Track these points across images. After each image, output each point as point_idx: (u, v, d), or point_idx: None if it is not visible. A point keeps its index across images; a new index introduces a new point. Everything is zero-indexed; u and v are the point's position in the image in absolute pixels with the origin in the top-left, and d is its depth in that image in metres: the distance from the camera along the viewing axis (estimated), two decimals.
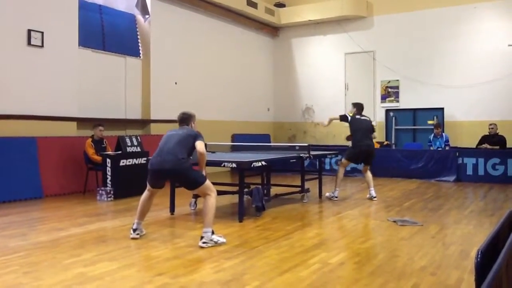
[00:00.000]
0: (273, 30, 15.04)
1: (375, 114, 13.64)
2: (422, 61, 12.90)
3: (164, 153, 4.84)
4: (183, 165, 4.78)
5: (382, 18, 13.53)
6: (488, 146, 10.61)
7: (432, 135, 11.25)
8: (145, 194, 5.11)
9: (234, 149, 10.62)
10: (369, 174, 7.92)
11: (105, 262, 4.06)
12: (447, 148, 10.92)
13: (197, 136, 4.92)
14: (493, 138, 10.73)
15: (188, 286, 3.46)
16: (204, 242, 4.61)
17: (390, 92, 13.48)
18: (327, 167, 11.45)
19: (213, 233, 4.69)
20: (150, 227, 5.55)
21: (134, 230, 4.98)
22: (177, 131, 5.05)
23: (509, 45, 11.87)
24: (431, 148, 11.06)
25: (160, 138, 5.16)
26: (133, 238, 4.93)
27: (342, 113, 8.23)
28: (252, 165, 5.91)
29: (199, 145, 4.80)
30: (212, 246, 4.59)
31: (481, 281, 1.61)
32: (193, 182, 4.83)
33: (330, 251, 4.48)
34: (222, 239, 4.74)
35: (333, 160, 11.46)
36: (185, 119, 5.16)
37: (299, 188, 7.61)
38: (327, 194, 7.90)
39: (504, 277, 1.70)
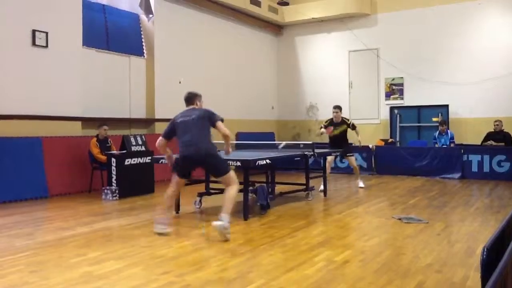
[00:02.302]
0: (276, 28, 15.02)
1: (380, 111, 13.62)
2: (427, 58, 12.85)
3: (194, 142, 5.00)
4: (213, 151, 5.07)
5: (386, 15, 13.49)
6: (493, 143, 10.56)
7: (437, 132, 11.21)
8: (171, 188, 5.19)
9: (238, 147, 10.63)
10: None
11: (111, 261, 4.08)
12: (452, 145, 10.88)
13: (212, 116, 5.12)
14: (498, 135, 10.67)
15: (193, 285, 3.47)
16: (218, 224, 4.71)
17: (394, 89, 13.44)
18: (332, 165, 11.41)
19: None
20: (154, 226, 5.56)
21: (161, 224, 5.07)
22: (188, 116, 5.14)
23: None
24: (436, 145, 11.02)
25: None
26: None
27: (350, 121, 8.95)
28: (257, 163, 5.91)
29: (222, 128, 5.03)
30: (216, 242, 4.60)
31: (487, 279, 1.60)
32: (220, 169, 5.07)
33: (335, 249, 4.48)
34: (228, 235, 4.76)
35: (338, 158, 11.42)
36: (191, 98, 5.37)
37: (304, 186, 7.61)
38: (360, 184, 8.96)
39: (510, 274, 1.69)
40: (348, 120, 8.93)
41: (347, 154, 8.89)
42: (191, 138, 5.01)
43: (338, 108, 8.77)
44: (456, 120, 12.36)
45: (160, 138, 5.26)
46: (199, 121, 5.07)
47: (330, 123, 8.79)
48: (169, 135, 5.22)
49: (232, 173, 5.06)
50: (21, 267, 3.92)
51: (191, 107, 5.30)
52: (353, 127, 8.71)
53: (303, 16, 14.19)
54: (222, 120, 5.17)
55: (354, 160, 9.14)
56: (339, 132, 8.70)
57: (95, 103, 9.40)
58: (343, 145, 8.67)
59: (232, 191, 4.98)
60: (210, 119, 5.11)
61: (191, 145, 5.01)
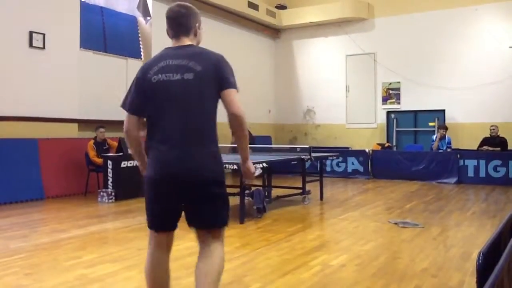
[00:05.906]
0: (274, 32, 15.05)
1: (376, 116, 13.64)
2: (423, 63, 12.90)
3: (181, 141, 2.38)
4: (221, 172, 2.56)
5: (383, 20, 13.53)
6: (489, 148, 10.59)
7: (435, 136, 11.22)
8: (151, 254, 2.68)
9: (234, 151, 10.62)
10: None
11: (106, 264, 4.06)
12: (448, 150, 10.90)
13: (224, 74, 2.41)
14: (494, 140, 10.70)
15: None
16: None
17: (391, 94, 13.47)
18: (328, 169, 11.45)
19: None
20: None
21: None
22: (176, 69, 2.46)
23: (510, 47, 11.87)
24: (433, 146, 10.92)
25: None
26: None
27: None
28: None
29: (234, 100, 2.44)
30: None
31: (482, 283, 1.60)
32: (218, 214, 2.58)
33: (331, 253, 4.48)
34: None
35: (334, 162, 11.46)
36: (183, 17, 2.62)
37: (300, 190, 7.61)
38: None
39: (506, 279, 1.69)
40: None
41: None
42: (174, 131, 2.40)
43: None
44: (452, 125, 12.36)
45: (127, 116, 2.52)
46: (200, 85, 2.41)
47: None
48: (139, 108, 2.52)
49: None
50: (15, 269, 3.90)
51: (180, 43, 2.64)
52: None
53: (301, 20, 14.22)
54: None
55: None
56: None
57: (92, 105, 9.38)
58: None
59: (219, 259, 2.62)
60: (221, 77, 2.42)
61: (173, 147, 2.38)
